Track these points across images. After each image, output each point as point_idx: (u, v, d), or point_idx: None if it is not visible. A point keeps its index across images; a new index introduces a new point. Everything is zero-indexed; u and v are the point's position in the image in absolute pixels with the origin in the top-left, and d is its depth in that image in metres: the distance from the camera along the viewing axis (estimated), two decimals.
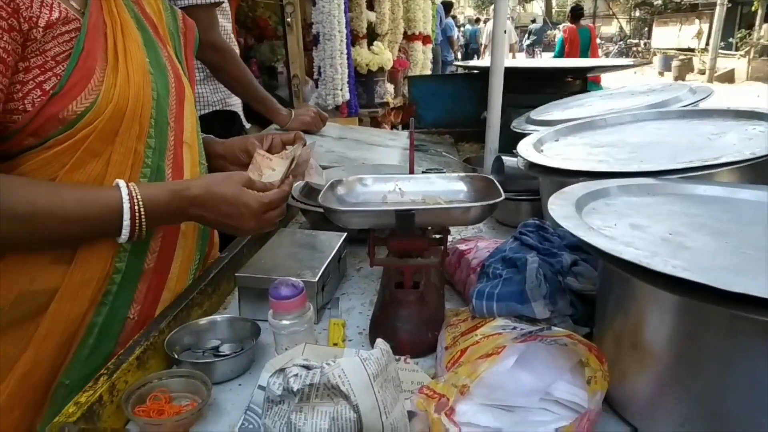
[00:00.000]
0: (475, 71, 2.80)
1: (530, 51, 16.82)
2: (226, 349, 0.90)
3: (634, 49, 22.02)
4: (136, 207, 0.84)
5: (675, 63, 17.10)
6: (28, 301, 0.85)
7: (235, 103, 2.18)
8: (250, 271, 1.01)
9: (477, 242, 1.11)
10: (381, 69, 3.71)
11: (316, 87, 3.33)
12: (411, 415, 0.70)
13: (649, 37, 23.47)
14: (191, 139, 1.04)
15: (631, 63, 2.90)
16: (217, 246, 1.21)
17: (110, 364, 0.77)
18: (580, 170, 1.02)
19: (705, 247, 0.68)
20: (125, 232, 0.84)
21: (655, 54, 19.78)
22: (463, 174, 1.05)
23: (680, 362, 0.64)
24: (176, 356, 0.85)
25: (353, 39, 3.57)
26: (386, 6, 4.14)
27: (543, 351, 0.73)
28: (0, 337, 0.84)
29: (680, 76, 15.78)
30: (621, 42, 23.58)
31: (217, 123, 2.05)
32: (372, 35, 3.94)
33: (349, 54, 3.32)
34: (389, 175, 1.05)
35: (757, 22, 15.78)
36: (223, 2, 1.92)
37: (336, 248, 1.11)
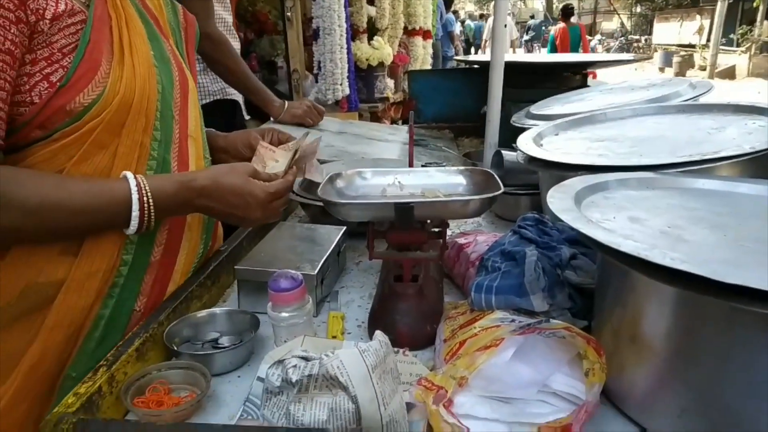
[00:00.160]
0: (476, 66, 2.79)
1: (529, 47, 16.79)
2: (225, 341, 0.90)
3: (635, 45, 21.97)
4: (145, 198, 0.84)
5: (676, 59, 17.06)
6: (35, 293, 0.85)
7: (236, 92, 2.18)
8: (250, 264, 1.02)
9: (476, 236, 1.11)
10: (381, 64, 3.69)
11: (316, 82, 3.32)
12: (409, 406, 0.70)
13: (650, 33, 23.39)
14: (195, 132, 1.04)
15: (631, 58, 2.89)
16: (221, 239, 1.21)
17: (109, 355, 0.77)
18: (580, 164, 1.02)
19: (704, 240, 0.68)
20: (134, 222, 0.84)
21: (656, 50, 19.73)
22: (462, 167, 1.05)
23: (678, 355, 0.64)
24: (175, 348, 0.85)
25: (353, 34, 3.56)
26: (386, 1, 4.12)
27: (541, 343, 0.73)
28: (7, 330, 0.84)
29: (681, 72, 15.74)
30: (622, 38, 23.53)
31: (218, 112, 2.05)
32: (372, 30, 3.92)
33: (349, 49, 3.31)
34: (388, 168, 1.05)
35: (759, 18, 15.73)
36: None
37: (335, 242, 1.11)
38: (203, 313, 0.94)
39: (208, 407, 0.77)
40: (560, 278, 0.86)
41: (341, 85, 3.22)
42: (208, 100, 2.06)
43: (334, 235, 1.14)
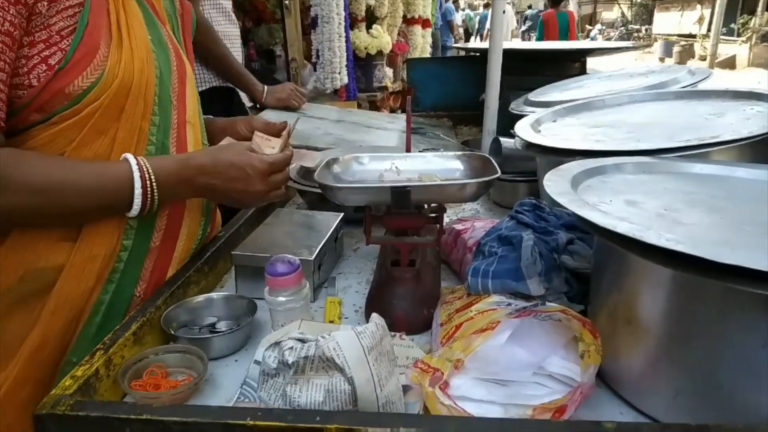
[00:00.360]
0: (476, 54, 2.78)
1: (526, 37, 16.70)
2: (222, 326, 0.90)
3: (636, 34, 21.89)
4: (147, 175, 0.85)
5: (676, 49, 17.00)
6: (35, 278, 0.85)
7: None
8: (247, 250, 1.02)
9: (473, 222, 1.11)
10: (380, 53, 3.68)
11: (315, 70, 3.31)
12: (406, 389, 0.70)
13: (650, 23, 23.31)
14: (194, 118, 1.04)
15: (630, 45, 2.88)
16: (219, 226, 1.21)
17: (107, 339, 0.77)
18: (577, 149, 1.02)
19: (700, 222, 0.68)
20: (137, 201, 0.84)
21: (656, 40, 19.65)
22: (459, 152, 1.04)
23: (673, 336, 0.64)
24: (173, 333, 0.85)
25: (352, 22, 3.54)
26: None
27: (537, 326, 0.73)
28: (8, 316, 0.85)
29: (681, 62, 15.68)
30: (622, 27, 23.44)
31: (215, 99, 2.05)
32: (371, 18, 3.90)
33: (347, 37, 3.29)
34: (386, 153, 1.05)
35: (760, 8, 15.66)
36: None
37: (333, 228, 1.11)
38: (200, 298, 0.94)
39: (205, 390, 0.78)
40: (557, 263, 0.86)
41: (340, 74, 3.21)
42: (204, 87, 2.05)
43: (331, 221, 1.14)
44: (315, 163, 1.01)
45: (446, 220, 0.96)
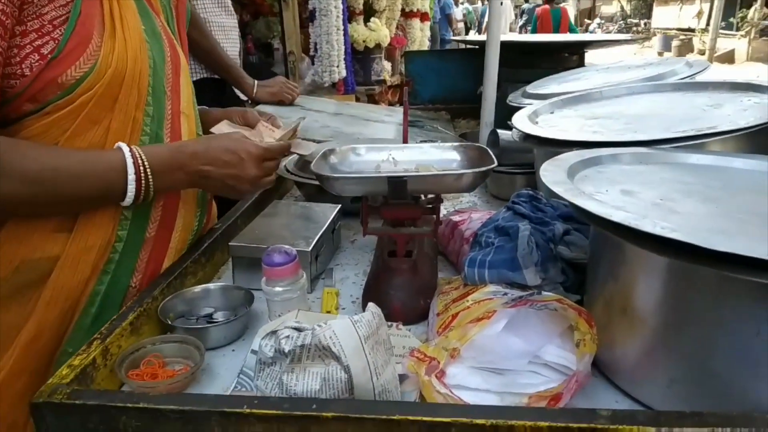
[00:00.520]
0: (474, 47, 2.77)
1: (523, 31, 16.66)
2: (219, 316, 0.90)
3: (635, 29, 21.84)
4: (140, 161, 0.85)
5: (675, 43, 16.96)
6: (30, 269, 0.85)
7: None
8: (244, 241, 1.02)
9: (471, 214, 1.11)
10: (378, 46, 3.67)
11: (312, 64, 3.30)
12: (402, 378, 0.70)
13: (649, 17, 23.25)
14: (188, 109, 1.04)
15: (629, 37, 2.87)
16: (215, 218, 1.21)
17: (104, 329, 0.77)
18: (574, 140, 1.01)
19: (695, 211, 0.68)
20: (131, 188, 0.84)
21: (655, 34, 19.61)
22: (456, 143, 1.04)
23: (668, 325, 0.64)
24: (170, 323, 0.85)
25: (350, 15, 3.53)
26: None
27: (533, 316, 0.73)
28: (3, 306, 0.85)
29: (680, 57, 15.66)
30: (621, 21, 23.39)
31: (206, 90, 2.03)
32: (369, 11, 3.89)
33: (345, 30, 3.28)
34: (382, 144, 1.05)
35: (759, 1, 15.60)
36: None
37: (330, 219, 1.11)
38: (198, 288, 0.94)
39: (202, 380, 0.78)
40: (553, 253, 0.86)
41: (338, 67, 3.20)
42: (194, 78, 2.03)
43: (328, 212, 1.14)
44: (309, 152, 1.01)
45: (443, 212, 0.96)
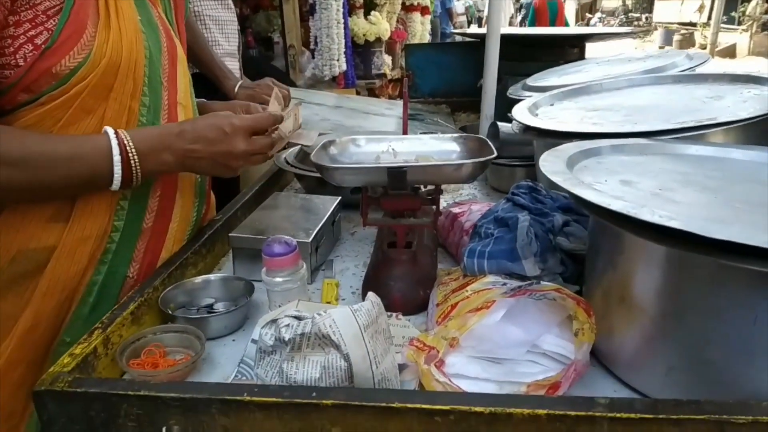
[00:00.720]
0: (475, 39, 2.76)
1: (522, 25, 16.60)
2: (220, 307, 0.91)
3: (636, 23, 21.77)
4: (125, 142, 0.83)
5: (676, 37, 16.90)
6: (27, 259, 0.86)
7: None
8: (244, 232, 1.02)
9: (471, 206, 1.11)
10: (378, 39, 3.67)
11: (313, 57, 3.30)
12: (402, 367, 0.71)
13: (650, 11, 23.17)
14: (185, 100, 1.04)
15: (629, 30, 2.87)
16: (214, 209, 1.21)
17: (105, 318, 0.78)
18: (574, 132, 1.01)
19: (694, 200, 0.69)
20: (117, 169, 0.83)
21: (656, 28, 19.55)
22: (456, 134, 1.05)
23: (666, 314, 0.64)
24: (171, 313, 0.86)
25: (350, 9, 3.52)
26: None
27: (531, 305, 0.74)
28: (0, 296, 0.85)
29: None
30: (623, 16, 23.32)
31: (199, 85, 2.00)
32: (369, 5, 3.88)
33: (346, 24, 3.28)
34: (382, 135, 1.05)
35: None
36: None
37: (330, 211, 1.11)
38: (198, 279, 0.94)
39: (203, 369, 0.78)
40: (552, 244, 0.86)
41: (338, 61, 3.20)
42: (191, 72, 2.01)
43: (329, 204, 1.14)
44: (312, 142, 1.01)
45: (443, 204, 0.96)
